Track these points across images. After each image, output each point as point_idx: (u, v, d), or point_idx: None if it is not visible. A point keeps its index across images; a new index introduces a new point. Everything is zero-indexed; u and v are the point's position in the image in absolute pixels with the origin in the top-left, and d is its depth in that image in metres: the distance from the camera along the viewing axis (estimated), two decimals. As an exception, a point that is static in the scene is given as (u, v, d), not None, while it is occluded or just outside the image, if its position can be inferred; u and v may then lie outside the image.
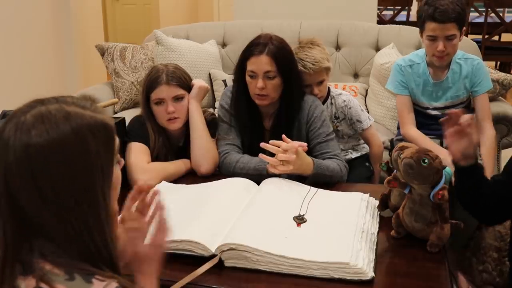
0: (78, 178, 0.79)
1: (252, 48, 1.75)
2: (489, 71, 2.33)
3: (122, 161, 0.91)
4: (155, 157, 1.79)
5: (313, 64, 1.91)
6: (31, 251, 0.79)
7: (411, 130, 2.11)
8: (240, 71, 1.81)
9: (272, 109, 1.85)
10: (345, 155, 2.14)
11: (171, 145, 1.84)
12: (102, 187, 0.82)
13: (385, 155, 2.23)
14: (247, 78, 1.78)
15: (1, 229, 0.79)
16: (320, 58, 1.93)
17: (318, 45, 1.98)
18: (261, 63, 1.73)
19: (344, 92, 2.14)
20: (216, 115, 1.94)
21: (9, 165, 0.77)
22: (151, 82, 1.78)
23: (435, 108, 2.17)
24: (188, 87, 1.82)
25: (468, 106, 2.22)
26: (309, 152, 1.79)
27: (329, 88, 2.09)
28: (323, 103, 2.05)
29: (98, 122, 0.82)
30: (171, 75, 1.77)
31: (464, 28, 2.04)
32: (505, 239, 1.58)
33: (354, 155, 2.17)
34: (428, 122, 2.17)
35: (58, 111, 0.79)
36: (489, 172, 1.97)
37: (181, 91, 1.78)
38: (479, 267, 1.59)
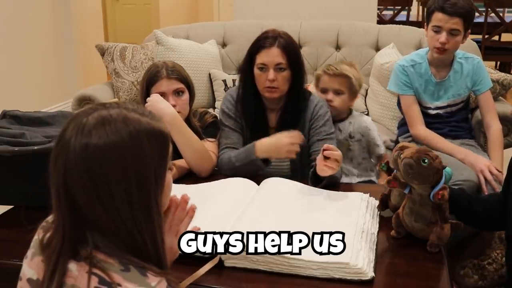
0: (132, 179, 0.82)
1: (262, 42, 1.78)
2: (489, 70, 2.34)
3: (174, 168, 0.95)
4: None
5: (336, 68, 1.95)
6: (85, 241, 0.82)
7: (422, 130, 2.11)
8: (248, 65, 1.82)
9: (277, 105, 1.86)
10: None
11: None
12: (155, 190, 0.86)
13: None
14: (256, 72, 1.79)
15: (61, 222, 0.84)
16: (347, 68, 1.96)
17: (353, 66, 2.02)
18: (272, 55, 1.75)
19: (366, 116, 2.14)
20: (218, 117, 1.93)
21: (69, 163, 0.81)
22: (151, 77, 1.79)
23: (437, 108, 2.17)
24: (187, 83, 1.83)
25: (467, 104, 2.23)
26: (308, 148, 1.81)
27: (351, 109, 2.06)
28: (342, 120, 2.02)
29: (154, 129, 0.86)
30: (171, 69, 1.80)
31: (469, 30, 2.05)
32: (491, 244, 1.59)
33: (356, 180, 2.05)
34: (429, 121, 2.17)
35: (118, 115, 0.84)
36: (498, 165, 1.97)
37: (181, 85, 1.80)
38: (460, 272, 1.60)
